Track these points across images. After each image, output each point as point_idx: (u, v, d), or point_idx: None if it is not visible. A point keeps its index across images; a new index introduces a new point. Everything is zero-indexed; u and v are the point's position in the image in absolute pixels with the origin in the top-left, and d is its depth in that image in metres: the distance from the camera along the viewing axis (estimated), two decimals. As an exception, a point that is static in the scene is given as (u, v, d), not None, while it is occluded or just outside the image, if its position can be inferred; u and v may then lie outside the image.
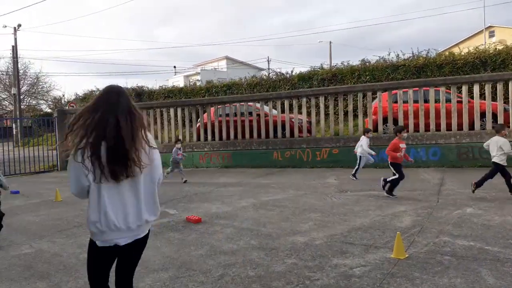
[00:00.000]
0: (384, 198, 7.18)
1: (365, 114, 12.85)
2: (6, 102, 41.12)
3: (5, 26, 27.88)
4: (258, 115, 12.93)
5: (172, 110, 13.91)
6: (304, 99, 12.43)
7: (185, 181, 10.09)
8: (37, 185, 11.09)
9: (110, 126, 2.25)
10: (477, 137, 10.51)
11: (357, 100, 11.91)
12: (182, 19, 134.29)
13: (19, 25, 28.30)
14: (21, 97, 40.44)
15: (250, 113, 13.05)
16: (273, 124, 12.68)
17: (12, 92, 29.50)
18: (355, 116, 12.85)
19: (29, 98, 42.69)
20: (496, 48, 16.28)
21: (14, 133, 25.62)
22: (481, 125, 10.85)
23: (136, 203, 2.37)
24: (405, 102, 11.38)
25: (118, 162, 2.24)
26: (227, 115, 13.23)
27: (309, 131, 12.72)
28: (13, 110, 30.29)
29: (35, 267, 4.37)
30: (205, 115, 13.70)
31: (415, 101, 11.27)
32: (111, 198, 2.30)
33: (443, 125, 10.92)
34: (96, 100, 2.36)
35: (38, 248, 5.01)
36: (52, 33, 58.95)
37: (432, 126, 11.04)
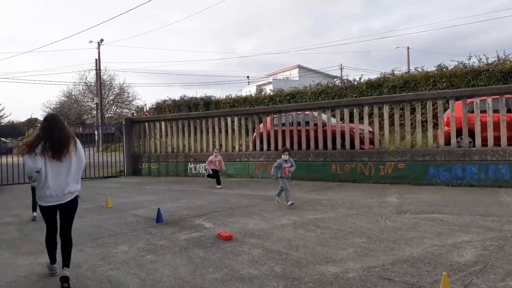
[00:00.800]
0: (447, 224, 6.18)
1: (435, 125, 11.56)
2: (94, 111, 45.06)
3: (91, 42, 30.50)
4: (316, 124, 12.28)
5: (229, 119, 13.82)
6: (366, 108, 11.52)
7: (291, 204, 7.79)
8: (98, 190, 11.61)
9: (52, 135, 4.07)
10: None
11: (426, 109, 10.72)
12: (260, 30, 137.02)
13: (102, 40, 30.83)
14: (108, 106, 44.04)
15: (307, 123, 12.45)
16: (332, 135, 11.94)
17: (94, 102, 32.03)
18: (424, 127, 11.62)
19: (115, 107, 46.30)
20: None
21: (96, 139, 27.71)
22: None
23: (67, 178, 4.14)
24: (483, 111, 9.98)
25: (58, 151, 4.05)
26: (283, 124, 12.77)
27: (371, 142, 11.78)
28: (95, 118, 32.85)
29: (49, 280, 4.30)
30: (261, 124, 13.39)
31: (495, 111, 9.82)
32: (52, 176, 4.07)
33: (531, 139, 9.35)
34: (42, 125, 4.28)
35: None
36: (131, 46, 63.51)
37: (518, 140, 9.52)
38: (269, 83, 50.13)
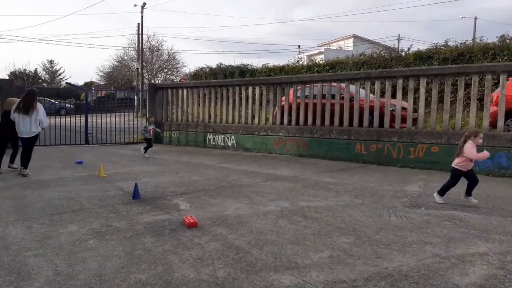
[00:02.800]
0: (466, 225, 4.99)
1: (481, 105, 9.89)
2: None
3: (135, 5, 30.32)
4: (343, 97, 11.02)
5: (250, 89, 12.88)
6: (400, 81, 10.06)
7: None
8: (108, 156, 11.37)
9: (23, 102, 7.97)
10: None
11: (471, 85, 9.11)
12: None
13: (145, 4, 30.46)
14: (155, 72, 44.53)
15: (334, 96, 11.22)
16: (359, 110, 10.66)
17: (135, 67, 32.22)
18: (467, 106, 9.99)
19: (164, 74, 46.76)
20: None
21: (135, 104, 27.97)
22: None
23: (29, 125, 7.91)
24: (543, 90, 8.25)
25: (27, 110, 7.90)
26: (307, 97, 11.62)
27: (403, 120, 10.38)
28: (136, 83, 33.17)
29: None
30: (284, 97, 12.32)
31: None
32: (23, 122, 7.91)
33: None
34: (22, 95, 8.18)
35: (3, 234, 4.52)
36: (179, 11, 62.19)
37: None
38: (321, 53, 47.91)
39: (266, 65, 22.49)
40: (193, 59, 75.18)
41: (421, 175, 8.60)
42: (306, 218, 5.23)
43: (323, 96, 11.34)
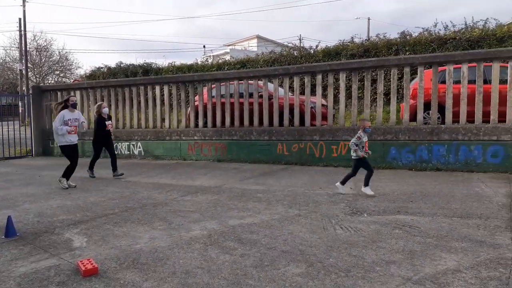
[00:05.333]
0: (419, 233, 4.43)
1: (401, 98, 9.90)
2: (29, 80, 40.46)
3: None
4: (261, 96, 10.26)
5: (157, 88, 11.47)
6: (320, 76, 9.61)
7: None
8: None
9: None
10: (560, 133, 7.39)
11: (390, 78, 8.98)
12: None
13: (27, -4, 26.66)
14: (44, 74, 39.70)
15: (252, 94, 10.41)
16: (279, 109, 9.98)
17: (18, 69, 28.12)
18: (387, 100, 9.93)
19: (55, 76, 41.87)
20: None
21: (20, 111, 24.22)
22: None
23: None
24: (457, 82, 8.35)
25: None
26: (223, 96, 10.63)
27: (324, 117, 9.96)
28: (19, 87, 28.99)
29: None
30: (197, 97, 11.16)
31: (471, 82, 8.22)
32: None
33: (510, 115, 7.84)
34: None
35: None
36: (69, 5, 56.67)
37: (494, 116, 7.99)
38: (227, 53, 47.40)
39: (173, 63, 21.04)
40: (89, 60, 68.88)
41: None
42: (242, 243, 4.22)
43: (241, 95, 10.45)
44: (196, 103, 11.06)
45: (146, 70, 21.03)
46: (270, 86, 10.44)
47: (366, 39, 17.22)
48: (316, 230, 4.60)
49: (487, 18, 14.40)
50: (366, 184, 6.27)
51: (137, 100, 11.75)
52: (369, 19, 40.25)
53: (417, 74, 8.81)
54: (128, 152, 11.72)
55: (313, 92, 10.34)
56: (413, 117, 8.93)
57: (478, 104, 8.02)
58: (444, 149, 8.31)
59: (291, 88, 10.78)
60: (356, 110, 9.33)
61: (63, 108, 7.53)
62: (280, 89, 10.44)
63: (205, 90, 11.09)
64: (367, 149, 6.42)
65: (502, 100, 7.94)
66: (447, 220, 4.87)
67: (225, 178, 8.08)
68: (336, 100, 10.91)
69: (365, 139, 6.34)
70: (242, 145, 10.21)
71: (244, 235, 4.48)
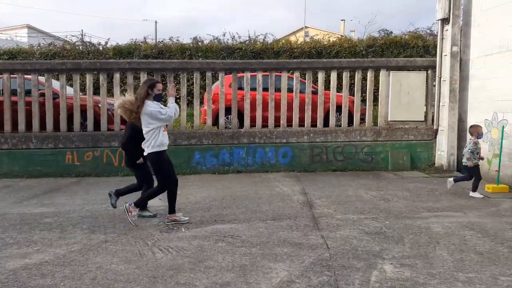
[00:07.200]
0: (242, 243, 4.24)
1: (202, 102, 9.88)
2: None
3: None
4: (43, 94, 8.45)
5: None
6: (118, 75, 8.59)
7: None
8: None
9: None
10: (332, 136, 8.76)
11: (194, 82, 8.79)
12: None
13: None
14: None
15: (29, 92, 8.45)
16: (68, 110, 8.44)
17: None
18: (190, 102, 9.75)
19: None
20: (329, 40, 15.68)
21: None
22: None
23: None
24: (253, 89, 8.84)
25: None
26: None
27: (124, 122, 8.98)
28: None
29: None
30: None
31: (265, 89, 8.84)
32: None
33: (295, 120, 8.79)
34: None
35: None
36: None
37: (283, 121, 8.82)
38: (-11, 42, 38.84)
39: None
40: None
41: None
42: (30, 296, 3.06)
43: (14, 92, 8.33)
44: None
45: None
46: (55, 83, 8.72)
47: (160, 41, 16.80)
48: (132, 258, 3.82)
49: (266, 33, 16.17)
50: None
51: None
52: (156, 22, 39.96)
53: (218, 79, 8.92)
54: None
55: (109, 92, 9.19)
56: (215, 121, 9.00)
57: (271, 110, 8.69)
58: (244, 152, 8.67)
59: (83, 87, 9.31)
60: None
61: None
62: (69, 88, 8.86)
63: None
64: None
65: (290, 107, 8.82)
66: (263, 225, 4.88)
67: (-5, 200, 6.18)
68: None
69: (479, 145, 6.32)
70: (16, 155, 8.16)
71: (33, 281, 3.31)
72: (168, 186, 4.86)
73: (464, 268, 3.54)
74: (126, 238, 4.43)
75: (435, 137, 8.65)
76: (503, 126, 6.71)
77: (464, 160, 6.29)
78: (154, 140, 4.69)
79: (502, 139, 6.58)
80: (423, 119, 8.97)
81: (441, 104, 8.44)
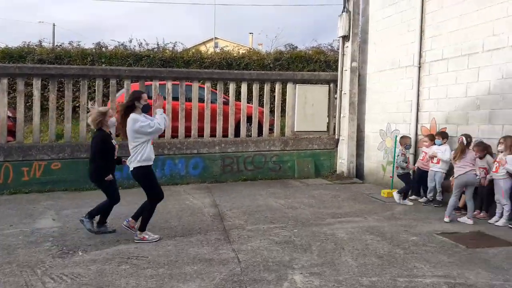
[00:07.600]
0: (149, 266, 3.94)
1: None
2: None
3: None
4: None
5: None
6: (6, 81, 7.59)
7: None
8: None
9: None
10: (243, 146, 8.79)
11: (96, 90, 8.15)
12: None
13: None
14: None
15: None
16: None
17: None
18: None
19: None
20: (239, 52, 15.91)
21: None
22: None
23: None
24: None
25: None
26: None
27: (11, 133, 7.99)
28: None
29: None
30: None
31: (174, 98, 8.56)
32: None
33: (206, 130, 8.64)
34: None
35: None
36: None
37: (194, 132, 8.61)
38: None
39: None
40: None
41: (46, 201, 6.73)
42: None
43: None
44: None
45: None
46: None
47: (58, 45, 15.44)
48: (16, 292, 3.31)
49: (176, 42, 15.81)
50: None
51: None
52: (54, 25, 36.74)
53: (123, 87, 8.41)
54: None
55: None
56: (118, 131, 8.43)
57: (181, 120, 8.43)
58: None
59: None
60: (55, 124, 7.94)
61: None
62: None
63: None
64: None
65: (201, 117, 8.65)
66: (172, 242, 4.63)
67: None
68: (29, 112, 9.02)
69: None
70: None
71: None
72: (159, 200, 4.73)
73: (367, 272, 3.71)
74: (11, 267, 3.84)
75: (337, 146, 9.17)
76: (396, 136, 7.35)
77: (399, 171, 6.60)
78: (141, 155, 4.57)
79: (395, 147, 7.19)
80: (325, 129, 9.45)
81: (342, 115, 8.99)
